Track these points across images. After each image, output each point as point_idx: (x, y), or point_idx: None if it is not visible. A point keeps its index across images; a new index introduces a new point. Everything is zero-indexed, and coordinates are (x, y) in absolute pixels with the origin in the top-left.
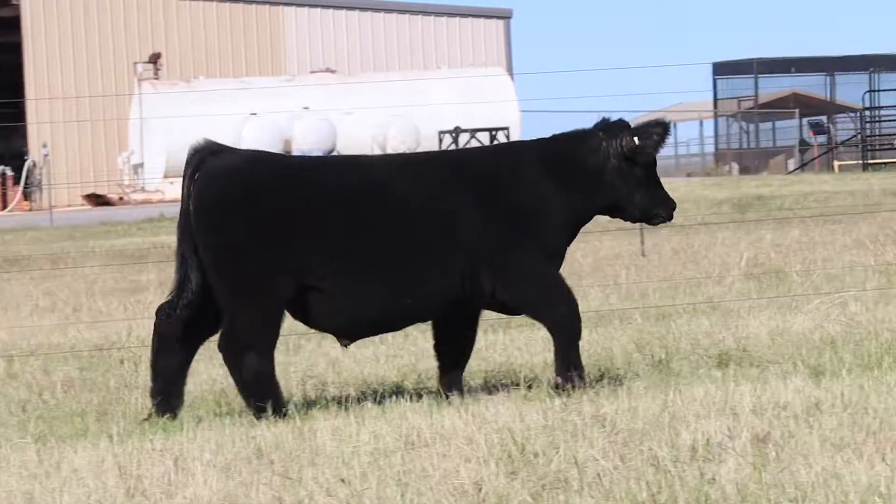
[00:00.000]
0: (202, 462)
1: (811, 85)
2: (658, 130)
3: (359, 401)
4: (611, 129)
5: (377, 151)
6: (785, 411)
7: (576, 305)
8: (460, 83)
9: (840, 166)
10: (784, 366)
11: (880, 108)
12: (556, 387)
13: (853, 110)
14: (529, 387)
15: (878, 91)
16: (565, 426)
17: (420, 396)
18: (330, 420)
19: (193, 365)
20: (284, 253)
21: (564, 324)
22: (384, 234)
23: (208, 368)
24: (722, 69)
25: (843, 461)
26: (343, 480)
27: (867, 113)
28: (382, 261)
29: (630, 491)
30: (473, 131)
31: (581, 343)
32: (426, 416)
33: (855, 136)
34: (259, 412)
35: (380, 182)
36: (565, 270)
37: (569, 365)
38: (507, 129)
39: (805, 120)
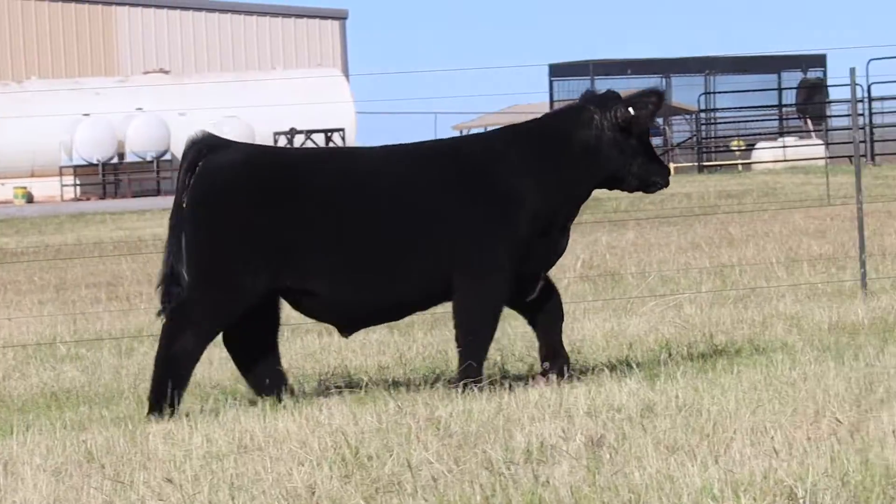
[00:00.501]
0: (32, 466)
1: (647, 87)
2: (653, 99)
3: (192, 404)
4: (602, 101)
5: None
6: (619, 413)
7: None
8: (296, 84)
9: (676, 168)
10: (619, 368)
11: (715, 110)
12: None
13: (688, 112)
14: (364, 389)
15: (714, 93)
16: (399, 429)
17: (253, 400)
18: (162, 423)
19: (23, 368)
20: (270, 251)
21: (475, 331)
22: (368, 231)
23: (39, 372)
24: (558, 71)
25: (677, 463)
26: (170, 481)
27: (702, 115)
28: (381, 253)
29: (464, 494)
30: (309, 132)
31: (420, 346)
32: (259, 420)
33: (690, 138)
34: (155, 390)
35: (377, 174)
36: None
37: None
38: (342, 130)
39: None
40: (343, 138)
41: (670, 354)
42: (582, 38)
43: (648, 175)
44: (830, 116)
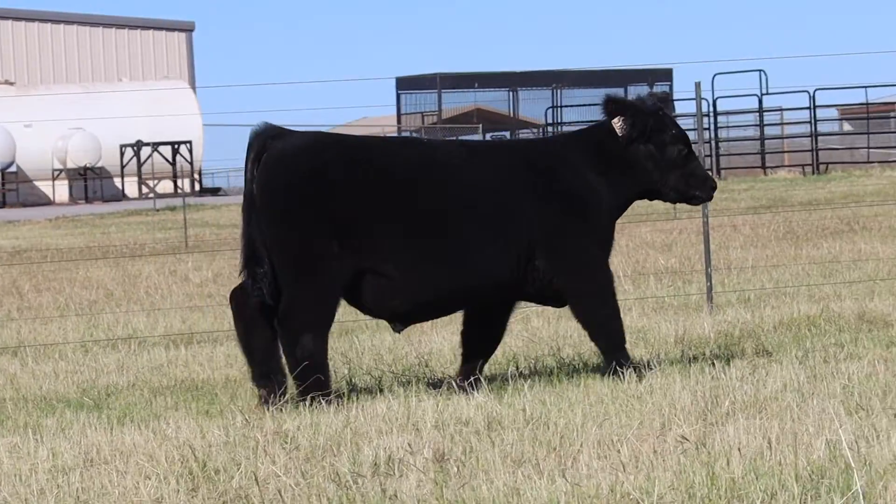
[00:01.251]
0: None
1: (494, 100)
2: (644, 112)
3: (38, 417)
4: (635, 114)
5: (57, 165)
6: (467, 427)
7: (617, 309)
8: (143, 96)
9: None
10: (467, 381)
11: (563, 123)
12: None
13: (536, 126)
14: (211, 403)
15: (561, 107)
16: (247, 442)
17: (100, 412)
18: (8, 437)
19: None
20: (348, 234)
21: (605, 324)
22: (445, 217)
23: None
24: (405, 84)
25: (524, 476)
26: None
27: (550, 129)
28: (443, 243)
29: None
30: (156, 144)
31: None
32: (106, 433)
33: None
34: (305, 394)
35: (441, 165)
36: None
37: (617, 364)
38: (189, 142)
39: (488, 135)
40: (190, 150)
41: (518, 368)
42: (429, 51)
43: (688, 188)
44: None
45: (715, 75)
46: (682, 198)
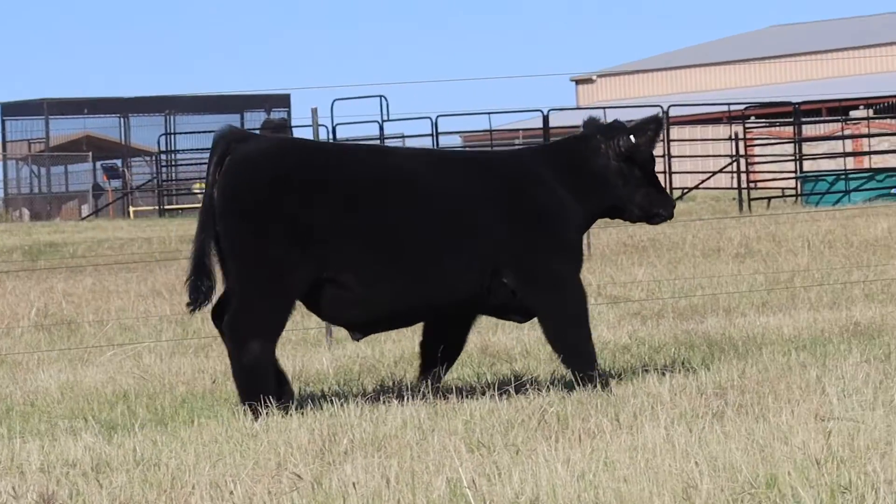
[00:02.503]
0: None
1: (105, 127)
2: (652, 126)
3: None
4: (607, 130)
5: None
6: (74, 469)
7: (589, 329)
8: None
9: (136, 212)
10: (75, 421)
11: (176, 151)
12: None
13: (149, 153)
14: None
15: (174, 134)
16: None
17: None
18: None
19: None
20: (308, 242)
21: (577, 346)
22: (408, 228)
23: None
24: (9, 110)
25: None
26: None
27: (163, 156)
28: (405, 255)
29: None
30: None
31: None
32: None
33: (151, 180)
34: (245, 401)
35: (407, 175)
36: None
37: (586, 369)
38: None
39: (99, 163)
40: None
41: (129, 406)
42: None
43: (651, 206)
44: None
45: (334, 101)
46: (645, 216)
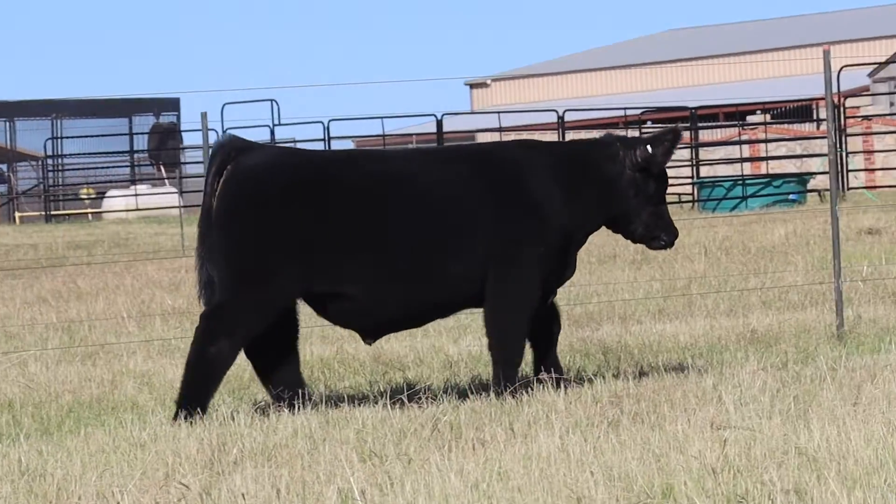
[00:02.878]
0: None
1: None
2: (669, 137)
3: None
4: (627, 140)
5: None
6: None
7: (526, 329)
8: None
9: (22, 217)
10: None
11: (63, 156)
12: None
13: (35, 158)
14: None
15: (61, 138)
16: None
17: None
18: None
19: None
20: (307, 253)
21: (509, 336)
22: (410, 233)
23: None
24: None
25: None
26: None
27: (49, 161)
28: (408, 259)
29: None
30: None
31: None
32: None
33: (37, 185)
34: (187, 397)
35: (406, 178)
36: None
37: (504, 380)
38: None
39: None
40: None
41: (14, 416)
42: None
43: (656, 228)
44: (185, 163)
45: (224, 105)
46: (647, 236)
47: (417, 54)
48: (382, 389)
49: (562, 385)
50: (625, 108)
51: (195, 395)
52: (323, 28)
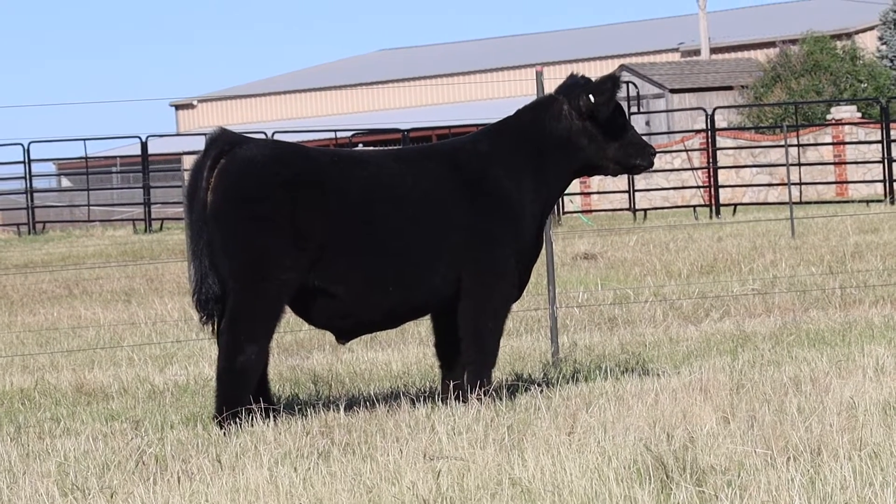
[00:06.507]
0: None
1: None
2: (608, 84)
3: None
4: (568, 90)
5: None
6: None
7: (502, 329)
8: None
9: None
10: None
11: None
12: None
13: None
14: None
15: None
16: None
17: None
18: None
19: None
20: (301, 246)
21: (484, 338)
22: (390, 232)
23: None
24: None
25: None
26: None
27: None
28: (389, 259)
29: None
30: None
31: None
32: None
33: None
34: (225, 405)
35: (386, 178)
36: None
37: (480, 383)
38: None
39: None
40: None
41: None
42: None
43: (628, 158)
44: None
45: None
46: (623, 168)
47: (122, 76)
48: (85, 420)
49: (271, 415)
50: (335, 130)
51: (233, 405)
52: (21, 48)
